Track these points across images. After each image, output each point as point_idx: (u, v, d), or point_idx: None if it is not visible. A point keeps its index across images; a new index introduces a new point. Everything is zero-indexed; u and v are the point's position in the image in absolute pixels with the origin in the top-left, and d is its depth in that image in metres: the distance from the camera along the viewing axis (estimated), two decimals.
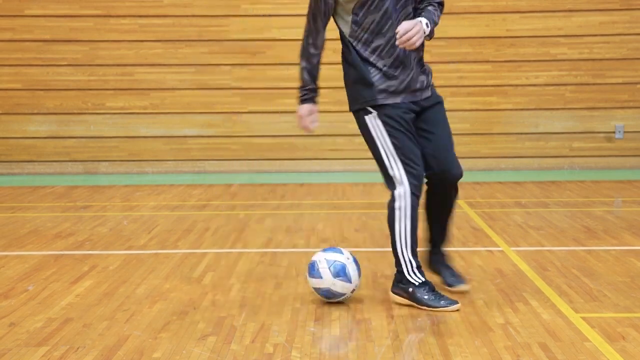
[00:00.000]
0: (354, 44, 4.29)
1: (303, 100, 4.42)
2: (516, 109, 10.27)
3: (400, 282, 4.37)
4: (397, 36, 4.11)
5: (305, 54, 4.37)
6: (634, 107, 10.25)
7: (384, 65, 4.25)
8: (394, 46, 4.22)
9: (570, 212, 7.30)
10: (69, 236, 6.36)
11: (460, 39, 10.23)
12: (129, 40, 10.25)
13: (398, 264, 4.35)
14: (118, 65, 10.27)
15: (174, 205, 7.87)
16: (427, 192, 4.48)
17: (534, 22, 10.21)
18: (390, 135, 4.26)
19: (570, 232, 6.36)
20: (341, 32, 4.35)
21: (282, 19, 10.11)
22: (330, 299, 4.41)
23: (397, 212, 4.27)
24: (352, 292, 4.40)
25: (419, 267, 4.35)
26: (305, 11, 4.40)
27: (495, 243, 5.98)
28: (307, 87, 4.40)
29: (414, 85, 4.31)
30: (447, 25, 10.22)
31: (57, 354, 3.65)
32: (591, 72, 10.22)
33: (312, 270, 4.41)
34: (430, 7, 4.30)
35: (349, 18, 4.26)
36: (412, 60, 4.29)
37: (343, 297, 4.40)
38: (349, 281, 4.37)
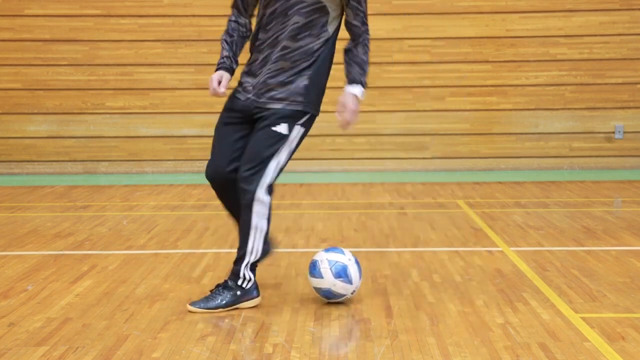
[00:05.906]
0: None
1: (218, 67, 4.57)
2: (516, 109, 10.27)
3: None
4: (338, 112, 4.41)
5: (227, 28, 4.51)
6: (634, 107, 10.25)
7: (252, 60, 4.43)
8: (266, 47, 4.33)
9: (570, 212, 7.30)
10: (68, 236, 6.36)
11: (460, 39, 10.22)
12: (128, 40, 10.25)
13: None
14: (118, 65, 10.27)
15: (174, 205, 7.87)
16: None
17: (534, 22, 10.21)
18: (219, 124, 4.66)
19: (570, 232, 6.36)
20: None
21: None
22: (330, 299, 4.40)
23: None
24: (352, 293, 4.40)
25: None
26: None
27: (495, 243, 5.98)
28: (223, 56, 4.54)
29: (264, 87, 4.41)
30: (447, 25, 10.23)
31: (57, 354, 3.65)
32: (591, 72, 10.22)
33: (314, 270, 4.40)
34: (359, 49, 4.37)
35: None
36: (271, 62, 4.36)
37: (343, 298, 4.40)
38: (350, 282, 4.36)
